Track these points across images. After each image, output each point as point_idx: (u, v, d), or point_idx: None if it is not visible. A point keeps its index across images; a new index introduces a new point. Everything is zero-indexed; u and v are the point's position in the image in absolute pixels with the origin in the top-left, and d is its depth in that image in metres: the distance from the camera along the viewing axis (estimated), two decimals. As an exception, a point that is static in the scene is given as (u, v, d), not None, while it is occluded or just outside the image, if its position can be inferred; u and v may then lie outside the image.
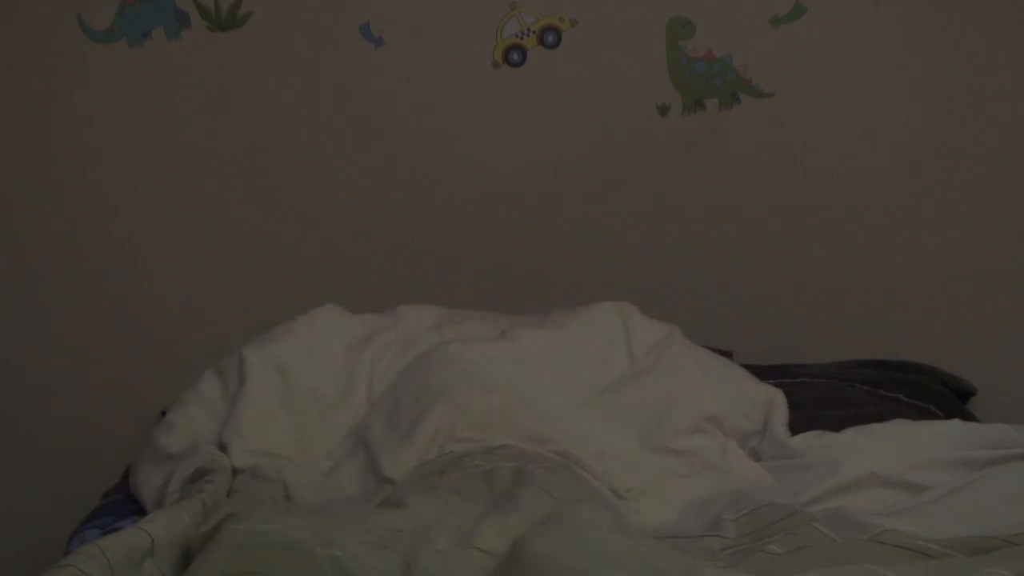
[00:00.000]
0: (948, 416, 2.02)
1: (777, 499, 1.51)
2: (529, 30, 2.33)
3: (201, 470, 1.59)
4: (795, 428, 1.92)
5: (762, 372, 2.17)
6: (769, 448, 1.77)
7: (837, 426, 1.88)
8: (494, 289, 2.33)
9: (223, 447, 1.68)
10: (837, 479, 1.60)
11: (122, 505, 1.77)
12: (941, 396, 2.10)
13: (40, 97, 2.35)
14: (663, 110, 2.34)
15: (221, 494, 1.45)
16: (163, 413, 2.17)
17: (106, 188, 2.38)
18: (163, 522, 1.27)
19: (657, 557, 1.10)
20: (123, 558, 1.18)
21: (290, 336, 1.88)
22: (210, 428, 1.76)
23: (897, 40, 2.31)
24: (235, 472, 1.61)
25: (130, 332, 2.41)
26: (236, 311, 2.40)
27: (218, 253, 2.39)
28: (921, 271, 2.35)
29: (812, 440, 1.75)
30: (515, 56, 2.33)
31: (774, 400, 1.88)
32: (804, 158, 2.35)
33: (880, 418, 1.86)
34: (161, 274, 2.40)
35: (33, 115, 2.36)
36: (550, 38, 2.33)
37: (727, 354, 2.21)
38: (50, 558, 1.91)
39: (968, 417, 2.08)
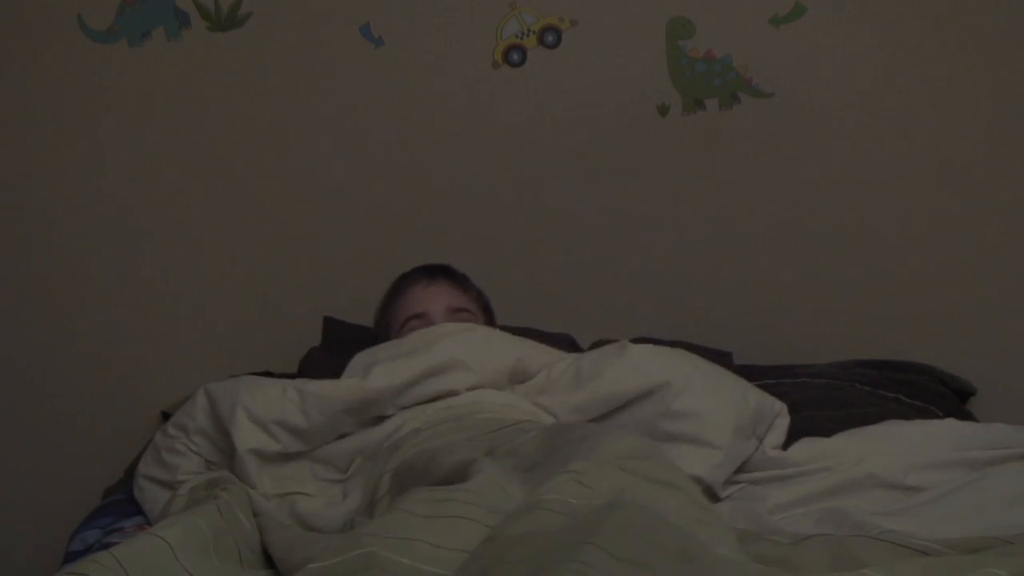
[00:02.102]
0: (948, 416, 2.02)
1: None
2: (529, 30, 2.33)
3: (214, 480, 1.58)
4: (795, 428, 1.91)
5: (762, 372, 2.17)
6: (761, 462, 1.70)
7: (837, 426, 1.87)
8: (492, 288, 2.32)
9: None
10: (834, 480, 1.59)
11: (123, 505, 1.77)
12: (941, 396, 2.10)
13: (40, 97, 2.35)
14: (663, 110, 2.33)
15: (237, 505, 1.43)
16: (163, 413, 2.17)
17: (106, 188, 2.38)
18: (179, 529, 1.24)
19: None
20: (141, 566, 1.14)
21: None
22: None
23: (897, 40, 2.31)
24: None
25: (131, 332, 2.40)
26: (236, 311, 2.40)
27: (218, 253, 2.39)
28: (921, 271, 2.35)
29: (806, 449, 1.71)
30: (515, 56, 2.33)
31: (779, 416, 1.78)
32: (804, 158, 2.34)
33: (880, 418, 1.85)
34: (161, 273, 2.40)
35: (33, 115, 2.36)
36: (550, 38, 2.33)
37: (727, 354, 2.21)
38: (50, 558, 1.91)
39: (968, 417, 2.08)
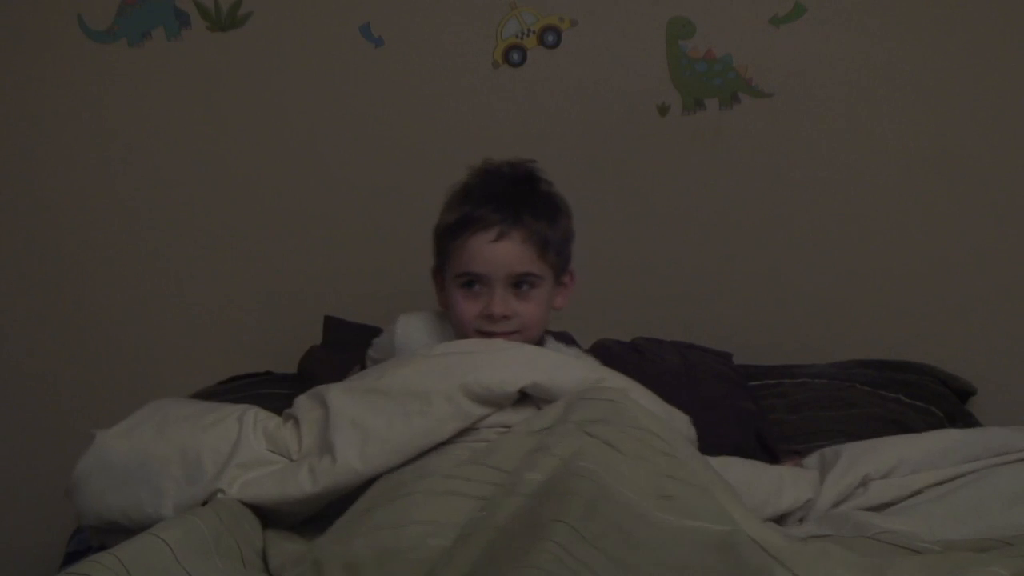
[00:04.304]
0: (948, 416, 2.02)
1: None
2: (529, 30, 2.33)
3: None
4: (796, 428, 1.92)
5: (762, 372, 2.18)
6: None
7: (837, 426, 1.87)
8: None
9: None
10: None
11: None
12: (941, 396, 2.10)
13: (40, 97, 2.35)
14: (663, 110, 2.34)
15: (235, 506, 1.42)
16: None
17: (106, 188, 2.38)
18: (178, 531, 1.25)
19: None
20: (143, 567, 1.15)
21: None
22: None
23: (897, 40, 2.31)
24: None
25: (130, 331, 2.41)
26: (236, 310, 2.40)
27: (218, 252, 2.39)
28: (921, 271, 2.35)
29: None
30: (515, 56, 2.33)
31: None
32: (804, 158, 2.34)
33: (881, 419, 1.85)
34: (161, 273, 2.40)
35: (33, 115, 2.36)
36: (550, 38, 2.33)
37: (727, 355, 2.21)
38: (50, 558, 1.91)
39: (968, 417, 2.08)
